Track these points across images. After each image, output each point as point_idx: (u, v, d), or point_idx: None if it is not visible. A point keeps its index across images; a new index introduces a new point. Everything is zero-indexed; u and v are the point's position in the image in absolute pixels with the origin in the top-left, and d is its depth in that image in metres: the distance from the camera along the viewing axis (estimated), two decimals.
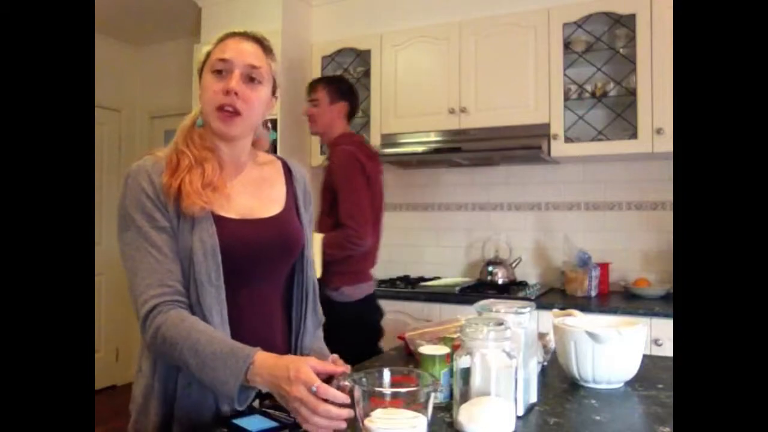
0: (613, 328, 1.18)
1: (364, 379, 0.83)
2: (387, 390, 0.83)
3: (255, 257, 1.12)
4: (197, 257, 1.04)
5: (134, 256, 1.04)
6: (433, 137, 2.92)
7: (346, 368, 1.03)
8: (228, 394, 0.94)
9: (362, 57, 3.20)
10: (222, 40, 1.13)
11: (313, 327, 1.24)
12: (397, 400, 0.80)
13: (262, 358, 0.94)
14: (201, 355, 0.96)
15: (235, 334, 1.06)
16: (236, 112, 1.08)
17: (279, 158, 1.28)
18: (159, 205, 1.06)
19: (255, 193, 1.17)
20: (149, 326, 1.01)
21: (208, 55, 1.13)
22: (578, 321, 1.29)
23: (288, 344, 1.21)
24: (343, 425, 0.85)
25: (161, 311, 1.01)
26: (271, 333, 1.17)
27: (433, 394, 0.81)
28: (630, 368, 1.20)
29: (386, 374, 0.87)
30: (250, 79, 1.10)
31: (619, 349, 1.17)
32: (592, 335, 1.17)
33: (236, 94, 1.07)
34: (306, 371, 0.87)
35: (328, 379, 0.93)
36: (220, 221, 1.08)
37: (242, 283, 1.11)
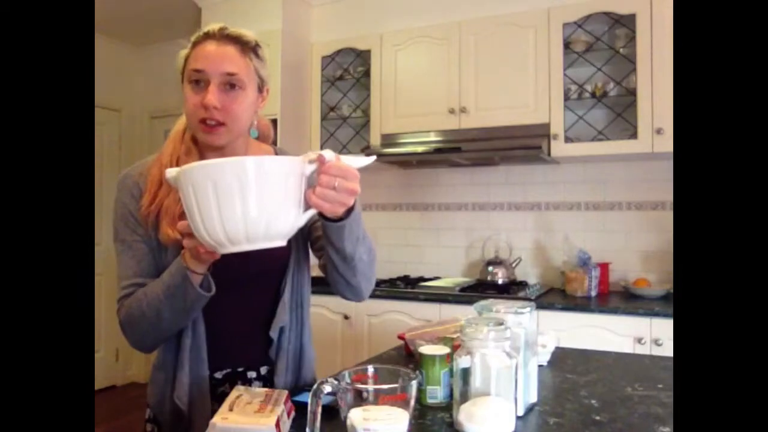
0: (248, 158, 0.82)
1: (347, 375, 0.83)
2: (370, 387, 0.83)
3: (235, 274, 1.08)
4: None
5: (119, 267, 1.10)
6: (433, 137, 2.92)
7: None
8: (190, 284, 0.96)
9: (362, 57, 3.20)
10: (196, 44, 1.06)
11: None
12: (381, 397, 0.80)
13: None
14: (155, 293, 1.01)
15: (217, 338, 1.12)
16: (219, 123, 1.03)
17: (276, 153, 1.23)
18: (140, 221, 1.09)
19: None
20: (119, 315, 1.07)
21: (186, 60, 1.07)
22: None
23: (269, 348, 1.18)
24: None
25: (123, 301, 1.06)
26: (253, 340, 1.18)
27: (414, 385, 0.81)
28: (276, 211, 0.83)
29: (370, 370, 0.86)
30: (230, 85, 1.03)
31: (253, 183, 0.80)
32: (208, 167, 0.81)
33: (215, 107, 1.01)
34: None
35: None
36: None
37: (223, 297, 1.06)
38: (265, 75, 1.10)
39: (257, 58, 1.08)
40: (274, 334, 1.16)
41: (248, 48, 1.07)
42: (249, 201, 0.80)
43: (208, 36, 1.05)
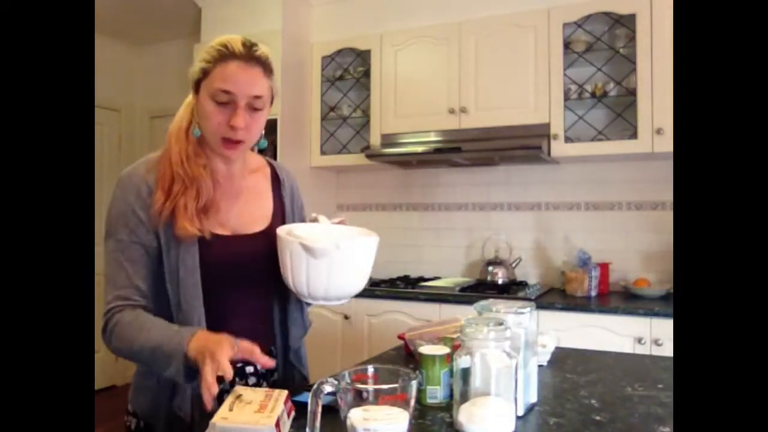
0: (332, 241, 1.08)
1: (347, 375, 0.83)
2: (370, 387, 0.83)
3: (243, 271, 1.15)
4: (183, 280, 1.09)
5: (110, 268, 1.09)
6: (433, 137, 2.92)
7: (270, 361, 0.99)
8: (173, 366, 0.97)
9: (362, 57, 3.20)
10: (222, 61, 1.06)
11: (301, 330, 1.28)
12: (381, 397, 0.80)
13: (201, 333, 0.99)
14: (145, 346, 1.02)
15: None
16: (240, 141, 1.10)
17: (268, 162, 1.30)
18: (144, 220, 1.08)
19: (244, 208, 1.20)
20: (106, 329, 1.07)
21: (205, 73, 1.08)
22: (305, 230, 1.17)
23: (271, 348, 1.23)
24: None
25: (115, 312, 1.06)
26: (255, 338, 1.19)
27: (414, 385, 0.81)
28: (350, 283, 1.11)
29: (370, 370, 0.87)
30: (254, 106, 1.09)
31: (337, 264, 1.07)
32: (306, 248, 1.06)
33: (241, 129, 1.08)
34: (223, 359, 0.89)
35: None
36: (209, 239, 1.11)
37: (230, 294, 1.14)
38: (276, 90, 1.16)
39: (273, 78, 1.14)
40: (294, 342, 1.24)
41: (269, 69, 1.12)
42: (364, 270, 1.12)
43: (234, 56, 1.07)
